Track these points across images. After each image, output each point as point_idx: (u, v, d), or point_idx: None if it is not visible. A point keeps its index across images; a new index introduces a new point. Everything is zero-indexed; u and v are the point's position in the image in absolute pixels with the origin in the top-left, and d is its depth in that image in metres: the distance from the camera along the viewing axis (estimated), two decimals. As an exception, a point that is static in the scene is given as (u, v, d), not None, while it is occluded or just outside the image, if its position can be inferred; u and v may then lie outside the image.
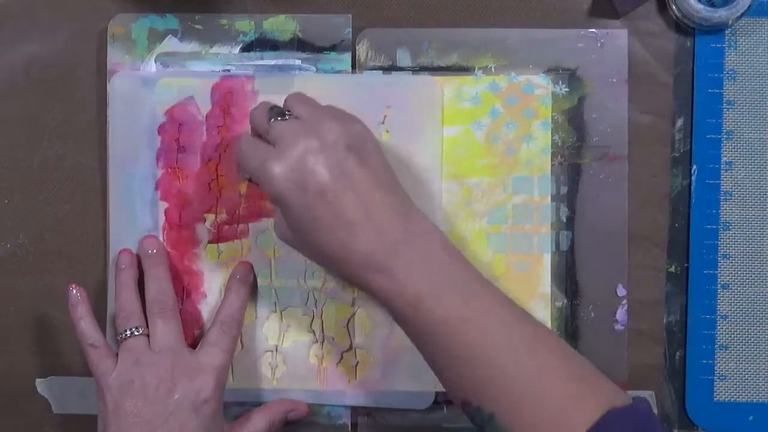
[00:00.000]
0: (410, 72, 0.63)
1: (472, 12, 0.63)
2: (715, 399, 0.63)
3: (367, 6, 0.64)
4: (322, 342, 0.64)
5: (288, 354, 0.64)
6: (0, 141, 0.65)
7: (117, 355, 0.60)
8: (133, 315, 0.60)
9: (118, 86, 0.63)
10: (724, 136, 0.63)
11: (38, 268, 0.65)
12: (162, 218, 0.63)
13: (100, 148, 0.64)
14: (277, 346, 0.64)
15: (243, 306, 0.62)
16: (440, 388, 0.63)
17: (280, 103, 0.57)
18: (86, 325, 0.60)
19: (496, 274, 0.62)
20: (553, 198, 0.63)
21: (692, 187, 0.63)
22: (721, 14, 0.61)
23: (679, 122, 0.63)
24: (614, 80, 0.62)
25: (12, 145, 0.65)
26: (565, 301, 0.63)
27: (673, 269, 0.63)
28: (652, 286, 0.63)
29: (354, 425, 0.64)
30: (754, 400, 0.63)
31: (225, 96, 0.63)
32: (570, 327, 0.63)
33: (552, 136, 0.63)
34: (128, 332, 0.60)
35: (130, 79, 0.63)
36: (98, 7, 0.64)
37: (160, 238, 0.63)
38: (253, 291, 0.63)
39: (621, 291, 0.63)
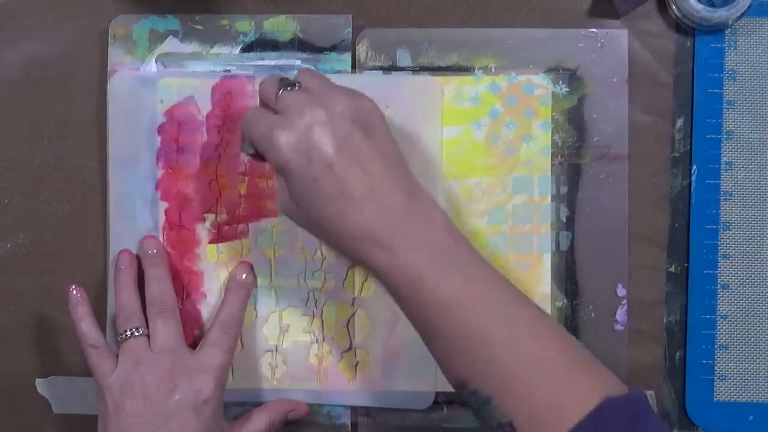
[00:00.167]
0: (410, 72, 0.63)
1: (472, 12, 0.63)
2: (715, 399, 0.63)
3: (367, 6, 0.64)
4: (322, 342, 0.64)
5: (288, 354, 0.64)
6: (0, 141, 0.65)
7: (117, 355, 0.60)
8: (133, 315, 0.60)
9: (118, 86, 0.63)
10: (724, 136, 0.63)
11: (38, 268, 0.65)
12: (162, 218, 0.63)
13: (100, 148, 0.64)
14: (277, 346, 0.64)
15: (243, 306, 0.62)
16: (440, 388, 0.63)
17: None
18: (86, 326, 0.60)
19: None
20: (553, 198, 0.63)
21: (692, 187, 0.63)
22: (721, 14, 0.61)
23: (679, 122, 0.63)
24: (614, 80, 0.62)
25: (12, 145, 0.65)
26: (565, 301, 0.63)
27: (673, 269, 0.63)
28: (652, 286, 0.63)
29: (354, 425, 0.64)
30: (754, 400, 0.63)
31: (225, 96, 0.63)
32: (570, 327, 0.63)
33: (552, 136, 0.63)
34: (128, 333, 0.60)
35: (130, 79, 0.63)
36: (99, 7, 0.64)
37: (160, 238, 0.63)
38: (253, 291, 0.63)
39: (621, 291, 0.63)
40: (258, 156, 0.55)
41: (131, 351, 0.59)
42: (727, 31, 0.62)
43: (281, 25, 0.64)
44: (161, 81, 0.63)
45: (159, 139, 0.63)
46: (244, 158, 0.63)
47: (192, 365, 0.59)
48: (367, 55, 0.63)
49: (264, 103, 0.56)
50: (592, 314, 0.63)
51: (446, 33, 0.63)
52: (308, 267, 0.63)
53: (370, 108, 0.54)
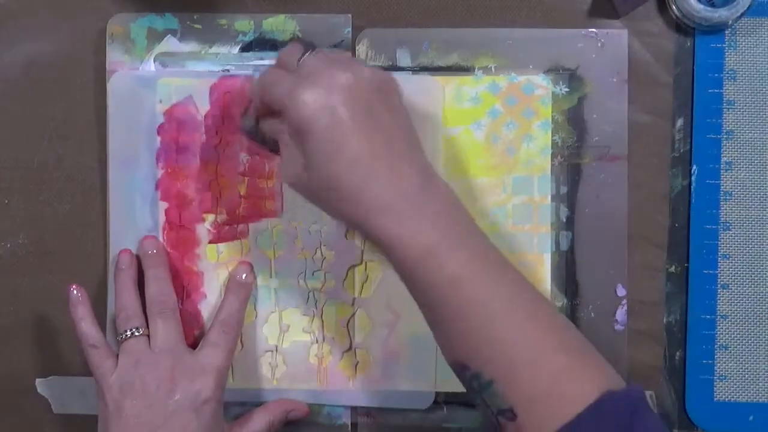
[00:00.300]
0: (410, 72, 0.63)
1: (472, 12, 0.63)
2: (715, 399, 0.63)
3: (367, 6, 0.63)
4: (322, 342, 0.64)
5: (288, 354, 0.64)
6: (0, 141, 0.65)
7: (117, 355, 0.60)
8: (134, 315, 0.60)
9: (117, 86, 0.63)
10: (724, 136, 0.63)
11: (38, 268, 0.65)
12: (162, 218, 0.63)
13: (100, 148, 0.64)
14: (277, 346, 0.64)
15: (243, 306, 0.62)
16: (440, 388, 0.63)
17: None
18: (87, 326, 0.60)
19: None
20: (553, 198, 0.63)
21: (692, 187, 0.63)
22: (721, 14, 0.61)
23: (679, 122, 0.63)
24: (614, 80, 0.62)
25: (12, 145, 0.65)
26: (565, 301, 0.63)
27: (673, 269, 0.63)
28: (652, 286, 0.63)
29: (354, 425, 0.64)
30: (754, 400, 0.63)
31: (224, 96, 0.63)
32: (570, 327, 0.63)
33: (552, 136, 0.63)
34: (128, 333, 0.60)
35: (129, 78, 0.63)
36: (98, 6, 0.64)
37: (160, 238, 0.63)
38: (253, 291, 0.63)
39: (621, 291, 0.63)
40: (256, 136, 0.55)
41: (131, 351, 0.59)
42: (727, 31, 0.62)
43: (280, 24, 0.64)
44: (160, 81, 0.63)
45: (159, 139, 0.63)
46: (244, 158, 0.63)
47: (192, 365, 0.59)
48: (367, 55, 0.63)
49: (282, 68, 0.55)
50: (592, 314, 0.63)
51: (446, 33, 0.63)
52: (308, 267, 0.63)
53: (392, 80, 0.54)
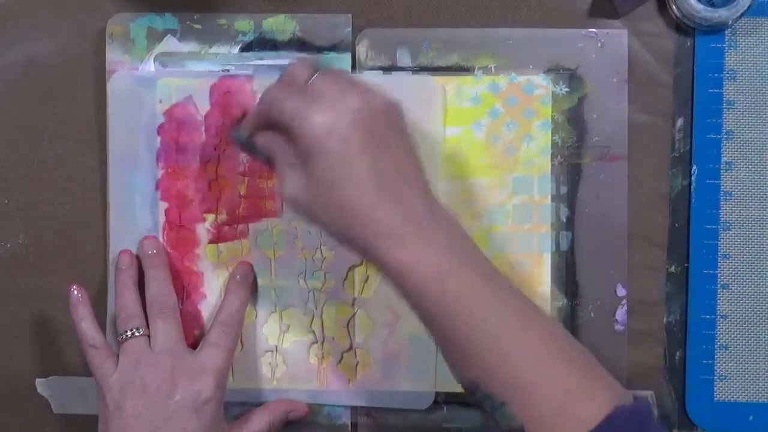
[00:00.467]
0: (410, 72, 0.63)
1: (472, 12, 0.63)
2: (715, 399, 0.63)
3: (367, 6, 0.63)
4: (322, 342, 0.64)
5: (288, 354, 0.64)
6: (0, 141, 0.65)
7: (117, 355, 0.60)
8: (134, 316, 0.60)
9: (117, 86, 0.63)
10: (724, 136, 0.62)
11: (38, 268, 0.65)
12: (162, 218, 0.63)
13: (100, 148, 0.64)
14: (277, 346, 0.64)
15: (243, 306, 0.62)
16: (440, 388, 0.63)
17: None
18: (87, 326, 0.60)
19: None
20: (553, 198, 0.63)
21: (692, 187, 0.63)
22: (721, 14, 0.61)
23: (679, 122, 0.63)
24: (614, 80, 0.62)
25: (12, 145, 0.65)
26: (565, 301, 0.63)
27: (673, 269, 0.63)
28: (652, 286, 0.63)
29: (354, 425, 0.64)
30: (754, 400, 0.63)
31: (224, 96, 0.63)
32: (570, 327, 0.63)
33: (552, 136, 0.63)
34: (128, 333, 0.60)
35: (129, 78, 0.63)
36: (97, 6, 0.64)
37: (160, 238, 0.63)
38: (253, 291, 0.64)
39: (621, 291, 0.63)
40: (248, 147, 0.55)
41: (131, 351, 0.59)
42: (727, 31, 0.62)
43: (280, 24, 0.64)
44: (160, 81, 0.63)
45: (158, 139, 0.63)
46: (244, 158, 0.63)
47: (192, 365, 0.59)
48: (367, 55, 0.63)
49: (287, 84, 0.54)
50: (592, 314, 0.63)
51: (446, 33, 0.63)
52: (308, 267, 0.63)
53: (399, 108, 0.54)
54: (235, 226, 0.63)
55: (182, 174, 0.63)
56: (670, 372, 0.63)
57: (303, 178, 0.52)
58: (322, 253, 0.63)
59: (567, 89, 0.63)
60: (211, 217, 0.63)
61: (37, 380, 0.65)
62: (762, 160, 0.62)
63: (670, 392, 0.63)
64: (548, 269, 0.63)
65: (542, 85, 0.63)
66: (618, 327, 0.63)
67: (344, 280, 0.63)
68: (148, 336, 0.60)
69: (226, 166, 0.63)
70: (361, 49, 0.63)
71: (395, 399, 0.64)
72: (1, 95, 0.65)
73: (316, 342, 0.64)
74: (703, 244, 0.63)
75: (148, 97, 0.63)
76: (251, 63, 0.64)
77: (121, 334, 0.60)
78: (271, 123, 0.53)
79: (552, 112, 0.63)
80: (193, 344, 0.62)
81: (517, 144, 0.63)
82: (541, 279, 0.63)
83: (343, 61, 0.63)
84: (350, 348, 0.64)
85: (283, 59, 0.63)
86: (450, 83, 0.63)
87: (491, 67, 0.63)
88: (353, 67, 0.63)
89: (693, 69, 0.63)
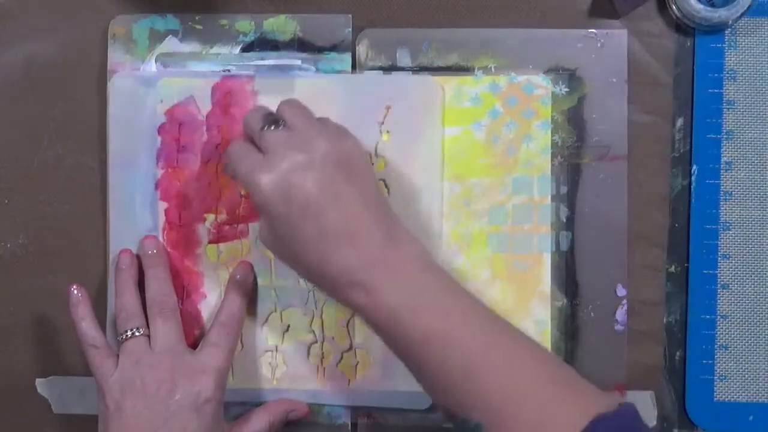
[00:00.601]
0: (410, 72, 0.63)
1: (472, 12, 0.63)
2: (715, 399, 0.63)
3: (367, 6, 0.64)
4: (322, 342, 0.64)
5: (288, 354, 0.64)
6: (0, 141, 0.65)
7: (118, 355, 0.60)
8: (134, 315, 0.60)
9: (118, 86, 0.63)
10: (724, 136, 0.63)
11: (38, 268, 0.65)
12: (162, 218, 0.63)
13: (100, 148, 0.64)
14: (277, 346, 0.64)
15: (243, 306, 0.62)
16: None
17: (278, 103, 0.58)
18: (87, 326, 0.60)
19: (496, 274, 0.62)
20: (553, 198, 0.63)
21: (692, 187, 0.63)
22: (721, 14, 0.61)
23: (679, 122, 0.63)
24: (614, 80, 0.62)
25: (12, 145, 0.65)
26: (565, 301, 0.63)
27: (673, 269, 0.63)
28: (652, 286, 0.63)
29: (354, 425, 0.64)
30: (754, 400, 0.63)
31: (225, 96, 0.63)
32: (570, 327, 0.63)
33: (552, 136, 0.63)
34: (129, 333, 0.60)
35: (130, 79, 0.63)
36: (99, 7, 0.64)
37: (160, 238, 0.63)
38: (253, 291, 0.63)
39: (621, 291, 0.63)
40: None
41: (132, 351, 0.59)
42: (727, 31, 0.62)
43: (281, 24, 0.64)
44: (161, 81, 0.63)
45: (159, 139, 0.63)
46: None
47: (192, 365, 0.59)
48: (367, 55, 0.63)
49: (248, 136, 0.57)
50: (592, 314, 0.63)
51: (446, 33, 0.63)
52: (308, 267, 0.63)
53: (352, 148, 0.55)
54: (235, 226, 0.63)
55: (182, 174, 0.63)
56: (670, 372, 0.63)
57: (266, 229, 0.55)
58: (322, 253, 0.63)
59: (567, 89, 0.63)
60: (211, 217, 0.63)
61: (37, 380, 0.65)
62: (762, 160, 0.63)
63: (670, 392, 0.63)
64: (548, 269, 0.63)
65: (542, 85, 0.63)
66: (618, 327, 0.63)
67: (344, 280, 0.63)
68: (148, 336, 0.60)
69: (227, 166, 0.63)
70: (361, 49, 0.63)
71: (395, 399, 0.63)
72: (1, 95, 0.65)
73: (316, 342, 0.64)
74: (703, 244, 0.63)
75: (149, 98, 0.63)
76: (252, 63, 0.64)
77: (121, 334, 0.60)
78: None
79: (552, 112, 0.63)
80: (193, 344, 0.62)
81: (517, 144, 0.63)
82: (541, 279, 0.63)
83: (344, 61, 0.63)
84: (350, 348, 0.64)
85: (284, 59, 0.63)
86: (450, 83, 0.63)
87: (491, 67, 0.63)
88: (353, 67, 0.63)
89: (693, 69, 0.63)
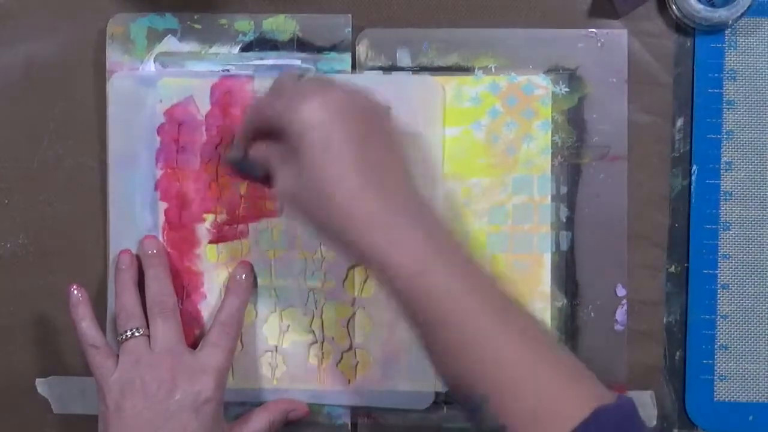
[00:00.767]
0: (410, 72, 0.63)
1: (472, 12, 0.63)
2: (715, 399, 0.63)
3: (367, 6, 0.63)
4: (322, 342, 0.64)
5: (288, 354, 0.64)
6: (0, 141, 0.65)
7: (118, 355, 0.60)
8: (134, 316, 0.60)
9: (117, 86, 0.63)
10: (724, 136, 0.63)
11: (38, 268, 0.65)
12: (162, 218, 0.63)
13: (100, 148, 0.64)
14: (277, 346, 0.64)
15: (243, 306, 0.62)
16: (440, 388, 0.63)
17: None
18: (87, 326, 0.60)
19: (496, 274, 0.62)
20: (553, 198, 0.63)
21: (692, 187, 0.63)
22: (721, 14, 0.61)
23: (679, 122, 0.63)
24: (614, 80, 0.62)
25: (12, 145, 0.65)
26: (565, 301, 0.63)
27: (673, 269, 0.63)
28: (652, 286, 0.63)
29: (354, 425, 0.64)
30: (754, 400, 0.63)
31: (224, 96, 0.63)
32: (570, 327, 0.63)
33: (552, 136, 0.63)
34: (129, 333, 0.60)
35: (129, 79, 0.63)
36: (97, 7, 0.64)
37: (160, 238, 0.63)
38: (253, 291, 0.63)
39: (621, 291, 0.63)
40: (245, 166, 0.56)
41: (131, 351, 0.59)
42: (727, 31, 0.62)
43: (281, 24, 0.64)
44: (161, 81, 0.63)
45: (159, 139, 0.63)
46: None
47: (192, 365, 0.59)
48: (367, 55, 0.63)
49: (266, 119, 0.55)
50: (592, 314, 0.63)
51: (446, 33, 0.63)
52: (308, 267, 0.63)
53: (389, 112, 0.55)
54: (235, 226, 0.63)
55: (182, 174, 0.63)
56: (670, 372, 0.63)
57: (294, 171, 0.52)
58: (322, 253, 0.63)
59: (567, 89, 0.63)
60: (211, 217, 0.63)
61: (37, 380, 0.65)
62: (762, 160, 0.63)
63: (670, 392, 0.63)
64: (548, 269, 0.63)
65: (542, 85, 0.63)
66: (618, 327, 0.63)
67: (344, 280, 0.63)
68: (148, 336, 0.60)
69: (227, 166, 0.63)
70: (361, 49, 0.63)
71: (395, 399, 0.63)
72: (1, 95, 0.65)
73: (316, 342, 0.64)
74: (703, 244, 0.63)
75: (149, 97, 0.63)
76: (251, 63, 0.64)
77: (121, 334, 0.60)
78: (263, 132, 0.55)
79: (552, 112, 0.63)
80: (193, 344, 0.62)
81: (517, 144, 0.63)
82: (541, 279, 0.63)
83: (343, 61, 0.63)
84: (350, 348, 0.64)
85: (284, 59, 0.63)
86: (450, 83, 0.63)
87: (491, 67, 0.63)
88: (353, 67, 0.63)
89: (693, 69, 0.63)
